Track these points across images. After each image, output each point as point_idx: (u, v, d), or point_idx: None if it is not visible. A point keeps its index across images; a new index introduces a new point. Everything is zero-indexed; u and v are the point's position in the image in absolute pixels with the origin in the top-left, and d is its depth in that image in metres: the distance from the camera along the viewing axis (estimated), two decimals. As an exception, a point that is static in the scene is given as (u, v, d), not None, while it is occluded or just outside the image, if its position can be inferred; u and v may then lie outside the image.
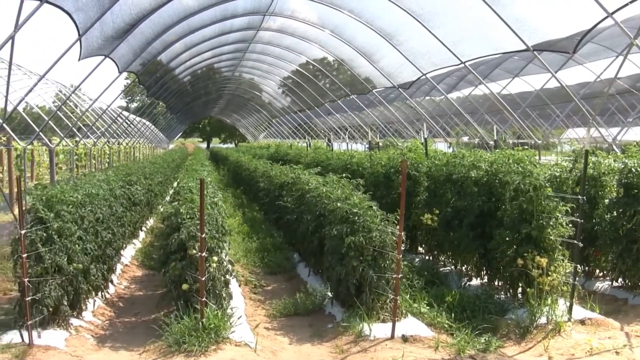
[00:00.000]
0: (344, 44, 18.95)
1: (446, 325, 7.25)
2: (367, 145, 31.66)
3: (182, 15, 15.11)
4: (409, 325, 7.04)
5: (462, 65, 14.70)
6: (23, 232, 6.25)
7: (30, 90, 14.01)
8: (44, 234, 6.76)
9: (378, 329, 6.89)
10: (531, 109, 30.08)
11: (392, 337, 6.72)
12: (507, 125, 28.49)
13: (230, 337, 6.54)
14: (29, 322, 6.28)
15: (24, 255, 6.21)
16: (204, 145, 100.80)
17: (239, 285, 9.51)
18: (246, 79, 37.70)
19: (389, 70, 18.59)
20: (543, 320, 6.91)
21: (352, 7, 15.86)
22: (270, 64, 28.87)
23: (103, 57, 13.09)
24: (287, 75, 30.73)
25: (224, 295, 7.16)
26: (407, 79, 18.04)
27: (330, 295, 8.27)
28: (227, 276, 7.36)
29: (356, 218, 7.55)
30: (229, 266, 7.50)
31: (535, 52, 11.91)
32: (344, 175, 9.77)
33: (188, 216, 7.41)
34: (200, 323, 6.46)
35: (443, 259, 10.41)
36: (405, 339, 6.71)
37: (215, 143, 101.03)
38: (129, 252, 12.21)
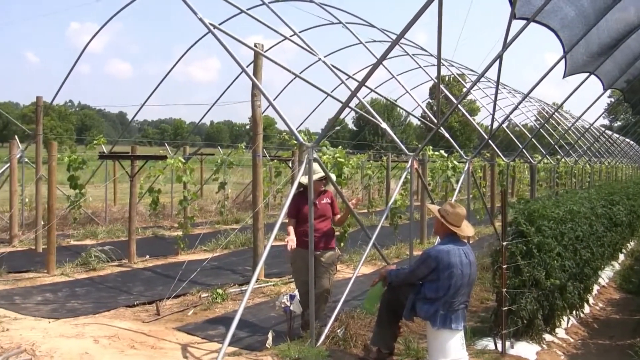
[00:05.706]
0: None
1: None
2: None
3: (673, 27, 13.94)
4: None
5: None
6: (504, 244, 6.60)
7: (514, 109, 14.64)
8: (524, 247, 6.97)
9: None
10: None
11: None
12: None
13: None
14: (503, 332, 6.57)
15: (504, 267, 6.54)
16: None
17: None
18: None
19: None
20: None
21: None
22: None
23: (587, 74, 12.97)
24: None
25: None
26: None
27: None
28: None
29: None
30: None
31: None
32: None
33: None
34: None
35: None
36: None
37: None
38: (607, 274, 11.92)
